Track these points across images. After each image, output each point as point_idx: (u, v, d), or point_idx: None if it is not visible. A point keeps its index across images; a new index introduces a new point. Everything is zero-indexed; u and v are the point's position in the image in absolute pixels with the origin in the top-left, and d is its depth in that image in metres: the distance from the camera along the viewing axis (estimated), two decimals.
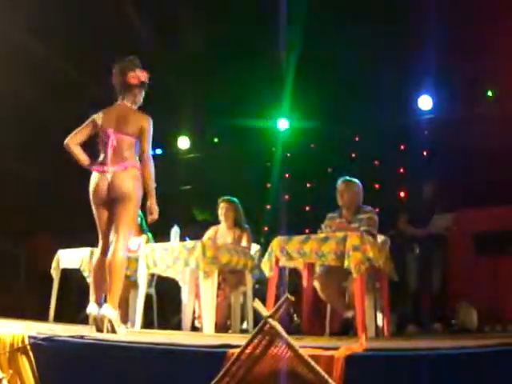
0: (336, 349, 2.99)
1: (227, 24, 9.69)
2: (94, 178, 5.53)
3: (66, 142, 5.60)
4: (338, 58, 9.47)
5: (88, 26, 9.37)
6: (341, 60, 9.50)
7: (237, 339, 4.04)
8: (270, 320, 2.84)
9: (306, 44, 9.29)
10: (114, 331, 5.11)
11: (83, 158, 5.62)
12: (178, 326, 7.51)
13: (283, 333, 2.83)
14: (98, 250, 5.64)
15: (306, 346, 3.04)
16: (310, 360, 2.74)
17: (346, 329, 6.42)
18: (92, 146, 5.72)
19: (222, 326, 7.19)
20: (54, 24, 9.11)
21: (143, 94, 5.82)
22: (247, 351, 2.92)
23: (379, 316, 6.71)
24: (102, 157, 5.57)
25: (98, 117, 5.68)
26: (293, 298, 2.83)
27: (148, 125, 5.62)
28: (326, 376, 2.71)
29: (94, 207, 5.56)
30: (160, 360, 3.44)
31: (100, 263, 5.51)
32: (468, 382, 2.70)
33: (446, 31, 8.71)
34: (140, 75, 5.69)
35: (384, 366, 2.83)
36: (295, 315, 8.14)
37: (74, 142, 5.61)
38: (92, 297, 5.51)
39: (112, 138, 5.49)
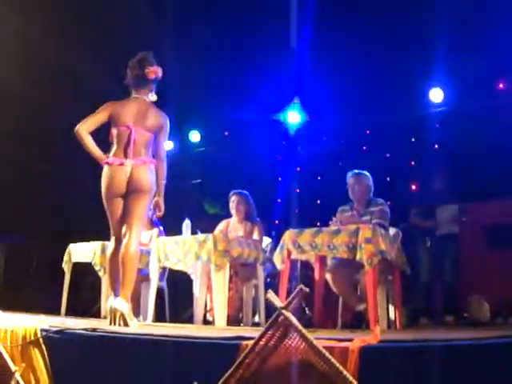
0: (350, 340, 2.98)
1: (238, 17, 9.67)
2: (109, 170, 5.50)
3: (76, 128, 5.50)
4: (349, 51, 9.45)
5: (100, 20, 9.41)
6: (352, 53, 9.48)
7: (249, 332, 4.03)
8: (284, 311, 2.83)
9: (317, 37, 9.27)
10: (126, 324, 5.12)
11: (95, 148, 5.55)
12: (189, 320, 7.53)
13: (297, 324, 2.82)
14: (111, 244, 5.63)
15: (320, 338, 3.03)
16: (324, 351, 2.73)
17: (358, 321, 6.41)
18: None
19: (233, 319, 7.20)
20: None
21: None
22: (261, 343, 2.91)
23: (391, 309, 6.70)
24: (115, 149, 5.56)
25: (114, 108, 5.66)
26: (307, 290, 2.81)
27: (167, 123, 5.69)
28: (341, 367, 2.69)
29: (107, 201, 5.53)
30: (173, 352, 3.43)
31: (115, 257, 5.50)
32: (482, 372, 2.68)
33: (458, 23, 8.69)
34: (157, 71, 5.70)
35: (399, 358, 2.81)
36: (307, 308, 8.14)
37: (85, 129, 5.52)
38: (111, 290, 5.53)
39: (133, 132, 5.48)
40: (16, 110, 9.86)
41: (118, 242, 5.51)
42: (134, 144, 5.48)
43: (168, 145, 11.65)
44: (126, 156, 5.46)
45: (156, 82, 5.76)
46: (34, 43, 9.12)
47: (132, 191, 5.43)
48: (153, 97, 5.77)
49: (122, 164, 5.44)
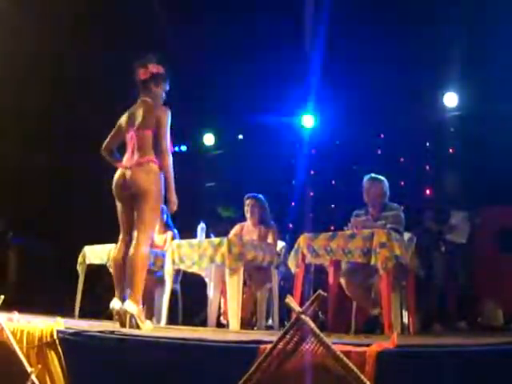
0: (367, 345, 2.98)
1: (252, 20, 9.68)
2: (116, 174, 5.63)
3: (101, 150, 5.85)
4: (364, 54, 9.44)
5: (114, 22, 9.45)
6: (366, 57, 9.47)
7: (263, 335, 4.04)
8: (303, 316, 2.84)
9: (331, 41, 9.28)
10: (137, 326, 5.13)
11: (116, 162, 5.76)
12: (203, 323, 7.53)
13: (315, 329, 2.82)
14: (117, 245, 5.68)
15: (337, 343, 3.03)
16: (342, 356, 2.73)
17: (372, 326, 6.40)
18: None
19: (247, 323, 7.20)
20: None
21: (164, 87, 5.84)
22: (279, 347, 2.91)
23: (405, 313, 6.69)
24: (125, 155, 5.65)
25: (122, 119, 5.81)
26: (325, 295, 2.82)
27: (164, 116, 5.60)
28: (358, 372, 2.70)
29: (116, 203, 5.63)
30: (190, 355, 3.44)
31: (119, 258, 5.56)
32: (498, 378, 2.68)
33: (471, 28, 8.68)
34: (151, 69, 5.71)
35: (416, 363, 2.82)
36: (320, 312, 8.13)
37: (106, 149, 5.86)
38: (115, 292, 5.55)
39: (132, 136, 5.57)
40: (31, 113, 9.92)
41: (123, 245, 5.58)
42: (135, 147, 5.55)
43: (182, 147, 11.70)
44: (126, 160, 5.54)
45: (157, 79, 5.77)
46: (45, 41, 9.18)
47: (133, 195, 5.47)
48: (156, 95, 5.79)
49: (125, 168, 5.52)
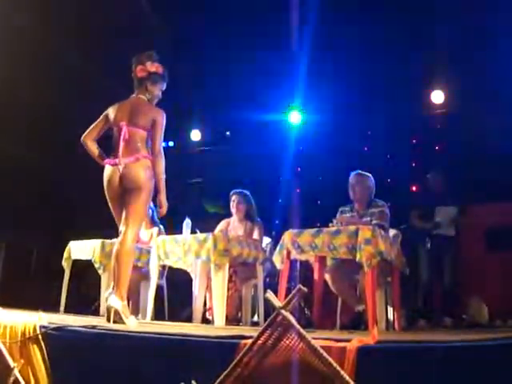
0: (348, 341, 2.99)
1: (239, 18, 9.67)
2: (107, 171, 5.57)
3: (82, 138, 5.70)
4: (352, 52, 9.45)
5: (104, 22, 9.42)
6: (354, 54, 9.48)
7: (248, 331, 4.04)
8: (283, 311, 2.84)
9: (319, 38, 9.28)
10: (121, 321, 5.12)
11: (98, 154, 5.70)
12: (188, 318, 7.52)
13: (296, 324, 2.82)
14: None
15: (318, 338, 3.04)
16: (322, 351, 2.74)
17: (357, 322, 6.40)
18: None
19: (232, 319, 7.20)
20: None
21: (160, 86, 5.82)
22: (259, 342, 2.92)
23: (390, 310, 6.70)
24: (113, 150, 5.60)
25: (111, 111, 5.73)
26: (305, 290, 2.82)
27: (161, 118, 5.61)
28: (338, 367, 2.70)
29: (108, 200, 5.60)
30: (172, 350, 3.44)
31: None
32: (479, 374, 2.69)
33: (458, 25, 8.70)
34: (149, 67, 5.69)
35: (396, 359, 2.83)
36: (306, 308, 8.14)
37: (89, 138, 5.70)
38: (111, 285, 5.53)
39: (124, 131, 5.50)
40: (16, 109, 9.88)
41: None
42: (127, 143, 5.51)
43: (169, 143, 11.69)
44: (119, 155, 5.50)
45: (154, 78, 5.74)
46: (41, 43, 9.13)
47: (127, 189, 5.45)
48: (151, 94, 5.77)
49: (115, 164, 5.49)
